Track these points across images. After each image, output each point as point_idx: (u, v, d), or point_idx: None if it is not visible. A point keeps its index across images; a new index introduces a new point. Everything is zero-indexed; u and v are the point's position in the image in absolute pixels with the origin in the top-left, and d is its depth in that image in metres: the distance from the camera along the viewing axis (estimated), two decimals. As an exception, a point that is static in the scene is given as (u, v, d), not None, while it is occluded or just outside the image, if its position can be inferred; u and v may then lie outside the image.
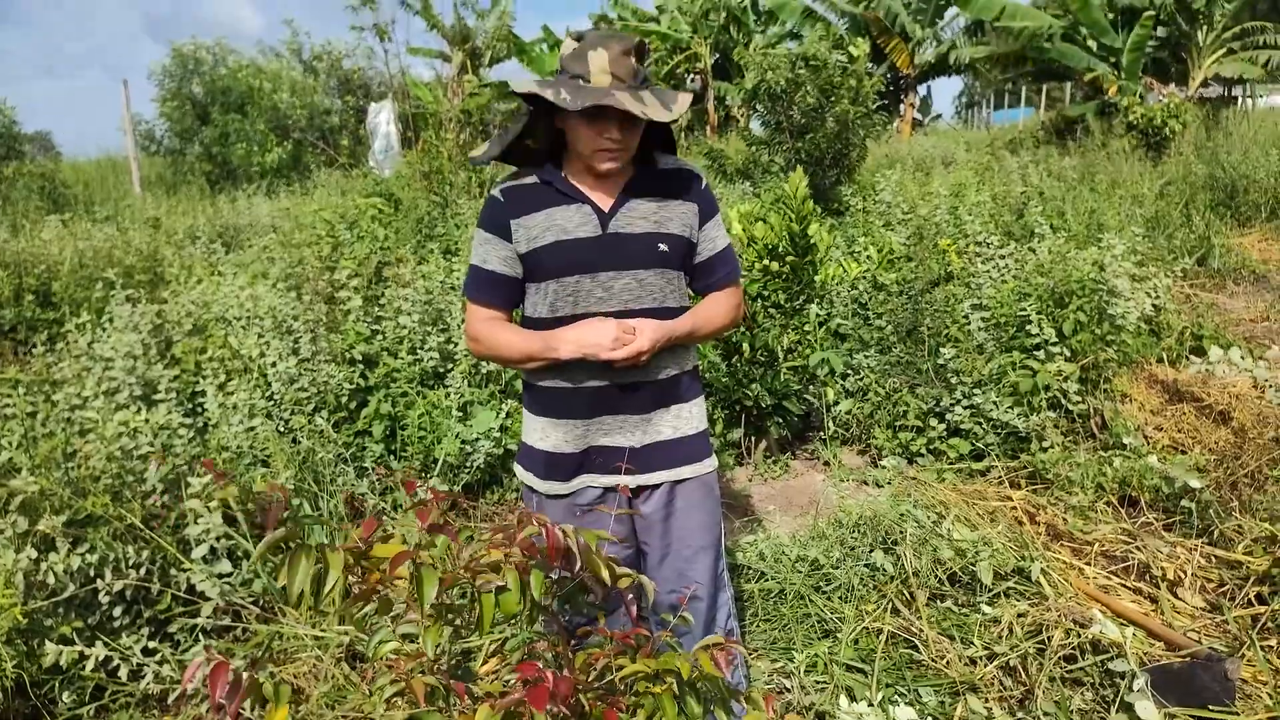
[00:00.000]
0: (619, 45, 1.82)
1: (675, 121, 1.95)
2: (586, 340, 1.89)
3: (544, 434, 2.07)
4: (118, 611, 2.66)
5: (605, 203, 1.97)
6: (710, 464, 2.14)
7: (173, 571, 2.78)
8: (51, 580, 2.52)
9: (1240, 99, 15.70)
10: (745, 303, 4.17)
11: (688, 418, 2.11)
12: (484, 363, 4.30)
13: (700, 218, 2.06)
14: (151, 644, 2.60)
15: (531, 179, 2.00)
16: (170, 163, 15.29)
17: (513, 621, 1.18)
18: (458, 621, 1.33)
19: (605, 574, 1.37)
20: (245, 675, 1.27)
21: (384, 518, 3.29)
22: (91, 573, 2.61)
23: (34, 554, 2.51)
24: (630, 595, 1.44)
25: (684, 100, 1.89)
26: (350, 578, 1.26)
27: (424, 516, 1.30)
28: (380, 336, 4.37)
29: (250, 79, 14.84)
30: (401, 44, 24.55)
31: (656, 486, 2.08)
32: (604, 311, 1.94)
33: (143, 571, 2.70)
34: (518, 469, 2.17)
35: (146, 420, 3.22)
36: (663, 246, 1.98)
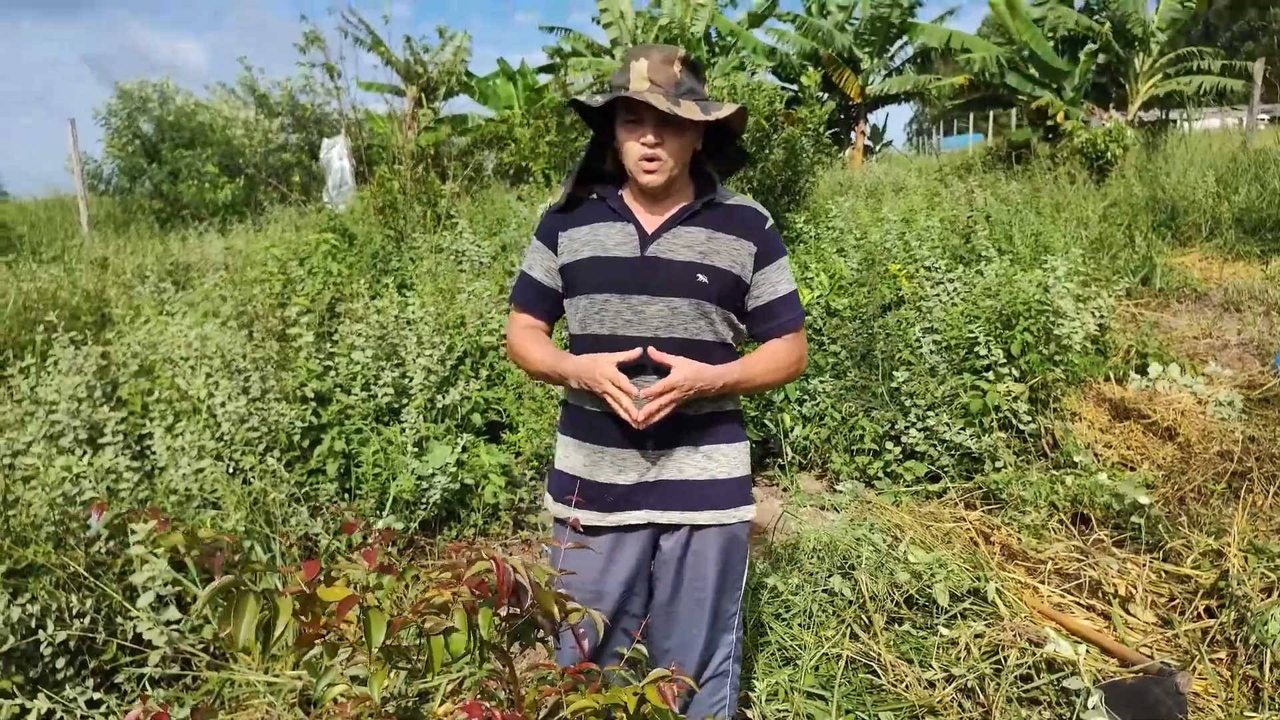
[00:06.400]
0: (660, 54, 1.82)
1: (729, 131, 1.94)
2: (585, 373, 1.86)
3: (565, 454, 2.05)
4: (61, 663, 2.57)
5: (651, 225, 1.93)
6: (738, 514, 2.01)
7: (118, 620, 2.70)
8: (-10, 633, 2.44)
9: (1178, 122, 16.17)
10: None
11: (721, 460, 2.00)
12: (440, 396, 4.27)
13: (757, 259, 1.96)
14: (97, 695, 2.53)
15: (593, 194, 2.00)
16: (120, 201, 15.02)
17: (467, 660, 1.17)
18: (407, 664, 1.31)
19: (555, 611, 1.35)
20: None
21: (339, 557, 3.23)
22: (33, 624, 2.53)
23: (-29, 606, 2.43)
24: (582, 630, 1.43)
25: (728, 107, 1.83)
26: (295, 621, 1.24)
27: (370, 557, 1.28)
28: (333, 373, 4.32)
29: (199, 115, 14.65)
30: (352, 79, 24.44)
31: (676, 528, 1.99)
32: (633, 336, 1.89)
33: (87, 621, 2.63)
34: (546, 499, 2.12)
35: (90, 465, 3.15)
36: (702, 277, 1.89)
